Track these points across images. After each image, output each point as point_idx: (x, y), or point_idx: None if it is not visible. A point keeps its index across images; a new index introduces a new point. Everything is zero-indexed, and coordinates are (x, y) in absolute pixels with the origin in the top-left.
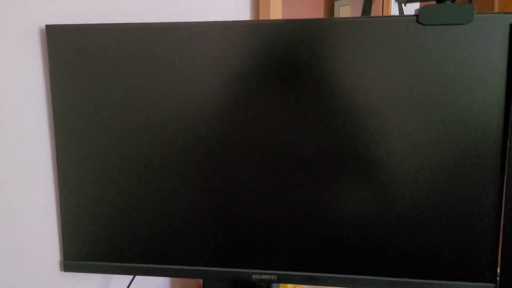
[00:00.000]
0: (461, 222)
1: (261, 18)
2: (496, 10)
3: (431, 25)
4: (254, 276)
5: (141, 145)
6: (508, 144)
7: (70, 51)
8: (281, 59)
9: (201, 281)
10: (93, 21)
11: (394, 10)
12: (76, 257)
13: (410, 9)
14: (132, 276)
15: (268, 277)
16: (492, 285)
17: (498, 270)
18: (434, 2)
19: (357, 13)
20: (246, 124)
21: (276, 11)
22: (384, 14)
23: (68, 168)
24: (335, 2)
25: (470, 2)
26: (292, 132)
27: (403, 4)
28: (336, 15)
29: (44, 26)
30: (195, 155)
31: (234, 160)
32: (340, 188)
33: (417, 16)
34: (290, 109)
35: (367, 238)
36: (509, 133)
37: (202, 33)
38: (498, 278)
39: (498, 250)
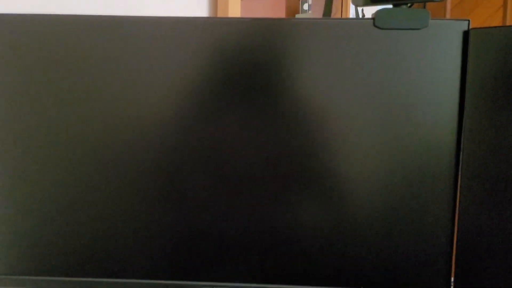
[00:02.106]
0: (415, 231)
1: (219, 15)
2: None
3: (387, 29)
4: None
5: (79, 150)
6: (461, 149)
7: (4, 45)
8: (237, 61)
9: None
10: (29, 11)
11: (352, 13)
12: (6, 270)
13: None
14: None
15: None
16: None
17: (452, 279)
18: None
19: (317, 13)
20: (196, 132)
21: (234, 8)
22: (342, 17)
23: None
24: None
25: (424, 7)
26: (245, 141)
27: (360, 8)
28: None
29: None
30: (139, 161)
31: (184, 169)
32: (293, 199)
33: (373, 19)
34: (246, 116)
35: (321, 248)
36: (462, 137)
37: (151, 29)
38: (452, 287)
39: (451, 259)
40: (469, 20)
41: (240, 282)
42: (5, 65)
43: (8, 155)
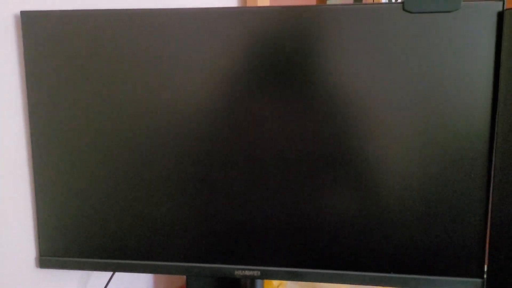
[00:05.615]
0: (449, 218)
1: (248, 4)
2: None
3: (417, 12)
4: (236, 272)
5: (121, 139)
6: (494, 138)
7: (48, 40)
8: (268, 49)
9: (185, 279)
10: (73, 7)
11: None
12: (52, 253)
13: None
14: (111, 273)
15: (251, 273)
16: (479, 280)
17: (486, 266)
18: None
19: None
20: (229, 120)
21: None
22: (375, 2)
23: (44, 161)
24: None
25: None
26: (277, 128)
27: None
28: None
29: (19, 13)
30: (176, 150)
31: (216, 155)
32: (326, 185)
33: (403, 3)
34: (278, 104)
35: (353, 233)
36: (496, 125)
37: (185, 20)
38: (485, 274)
39: (485, 246)
40: (503, 0)
41: (271, 266)
42: (52, 61)
43: (58, 146)
